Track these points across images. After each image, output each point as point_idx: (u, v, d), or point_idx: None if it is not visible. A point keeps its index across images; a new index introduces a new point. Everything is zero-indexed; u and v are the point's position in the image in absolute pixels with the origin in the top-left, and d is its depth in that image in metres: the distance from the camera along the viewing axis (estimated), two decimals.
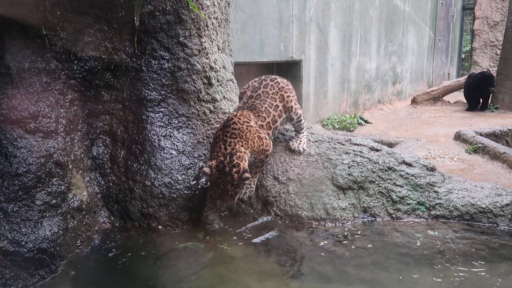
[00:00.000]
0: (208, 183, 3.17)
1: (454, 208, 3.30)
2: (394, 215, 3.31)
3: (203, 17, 3.46)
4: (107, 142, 3.33)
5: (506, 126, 6.28)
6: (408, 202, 3.34)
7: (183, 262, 2.77)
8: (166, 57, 3.37)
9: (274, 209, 3.33)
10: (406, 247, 2.92)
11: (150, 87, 3.36)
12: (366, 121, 7.81)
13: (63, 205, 2.88)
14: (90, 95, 3.28)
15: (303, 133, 3.56)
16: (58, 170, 2.94)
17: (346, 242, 2.98)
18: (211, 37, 3.62)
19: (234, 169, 2.85)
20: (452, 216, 3.29)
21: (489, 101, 8.81)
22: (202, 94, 3.54)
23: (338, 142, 3.60)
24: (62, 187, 2.93)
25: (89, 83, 3.25)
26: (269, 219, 3.31)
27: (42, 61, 2.99)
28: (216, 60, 3.68)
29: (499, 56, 9.80)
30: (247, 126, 3.05)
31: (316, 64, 7.14)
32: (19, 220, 2.62)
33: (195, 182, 3.32)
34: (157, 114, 3.38)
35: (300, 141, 3.53)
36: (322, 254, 2.84)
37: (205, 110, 3.57)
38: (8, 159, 2.70)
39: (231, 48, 4.14)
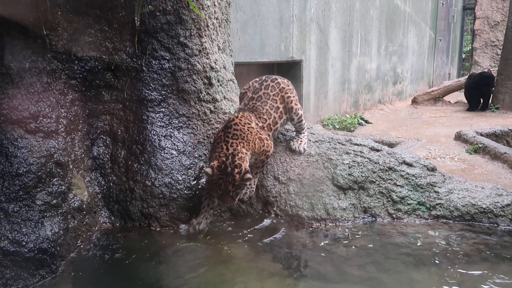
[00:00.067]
0: (204, 192, 3.15)
1: (455, 208, 3.30)
2: (394, 215, 3.31)
3: (203, 17, 3.46)
4: (108, 142, 3.33)
5: (507, 126, 6.28)
6: (408, 202, 3.34)
7: (183, 262, 2.77)
8: (167, 57, 3.37)
9: (275, 209, 3.33)
10: (407, 247, 2.92)
11: (150, 87, 3.36)
12: (366, 121, 7.81)
13: (63, 205, 2.88)
14: (90, 95, 3.28)
15: (303, 133, 3.56)
16: (58, 170, 2.94)
17: (347, 242, 2.98)
18: (211, 37, 3.62)
19: (236, 170, 2.85)
20: (452, 216, 3.29)
21: (490, 101, 8.81)
22: (203, 94, 3.54)
23: (338, 142, 3.61)
24: (63, 187, 2.93)
25: (90, 83, 3.25)
26: (270, 219, 3.30)
27: (42, 61, 2.99)
28: (217, 60, 3.68)
29: (499, 56, 9.79)
30: (248, 127, 3.05)
31: (316, 64, 7.14)
32: (19, 220, 2.62)
33: (195, 182, 3.33)
34: (158, 114, 3.38)
35: (301, 141, 3.53)
36: (323, 254, 2.84)
37: (206, 110, 3.57)
38: (8, 159, 2.71)
39: (231, 48, 4.15)
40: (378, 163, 3.44)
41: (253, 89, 3.37)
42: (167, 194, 3.22)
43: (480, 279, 2.52)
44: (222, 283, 2.54)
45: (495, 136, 5.82)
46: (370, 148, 3.57)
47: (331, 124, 7.19)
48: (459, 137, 5.73)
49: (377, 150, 3.56)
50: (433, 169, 3.50)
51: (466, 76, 9.74)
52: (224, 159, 2.87)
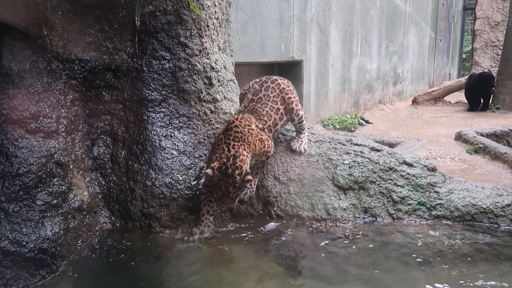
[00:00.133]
0: (202, 197, 3.14)
1: (455, 209, 3.30)
2: (395, 216, 3.31)
3: (204, 17, 3.46)
4: (108, 142, 3.33)
5: (507, 126, 6.28)
6: (409, 202, 3.33)
7: (184, 262, 2.77)
8: (167, 57, 3.37)
9: (275, 209, 3.33)
10: (407, 247, 2.91)
11: (151, 87, 3.36)
12: (367, 121, 7.81)
13: (64, 205, 2.88)
14: (91, 95, 3.28)
15: (304, 133, 3.56)
16: (59, 170, 2.95)
17: (347, 242, 2.98)
18: (212, 37, 3.62)
19: (237, 171, 2.84)
20: (453, 217, 3.29)
21: (490, 101, 8.81)
22: (203, 94, 3.54)
23: (339, 143, 3.60)
24: (63, 187, 2.93)
25: (90, 83, 3.25)
26: (270, 219, 3.30)
27: (43, 61, 2.99)
28: (217, 60, 3.68)
29: (500, 56, 9.79)
30: (248, 129, 3.05)
31: (317, 64, 7.14)
32: (20, 220, 2.62)
33: (196, 182, 3.33)
34: (158, 114, 3.38)
35: (301, 141, 3.53)
36: (323, 254, 2.84)
37: (206, 110, 3.57)
38: (9, 159, 2.71)
39: (232, 48, 4.14)
40: (379, 163, 3.44)
41: (253, 90, 3.37)
42: (167, 194, 3.22)
43: (481, 279, 2.52)
44: (222, 283, 2.54)
45: (495, 136, 5.82)
46: (370, 148, 3.56)
47: (332, 124, 7.20)
48: (459, 137, 5.73)
49: (378, 150, 3.56)
50: (433, 169, 3.50)
51: (467, 76, 9.74)
52: (225, 160, 2.87)
